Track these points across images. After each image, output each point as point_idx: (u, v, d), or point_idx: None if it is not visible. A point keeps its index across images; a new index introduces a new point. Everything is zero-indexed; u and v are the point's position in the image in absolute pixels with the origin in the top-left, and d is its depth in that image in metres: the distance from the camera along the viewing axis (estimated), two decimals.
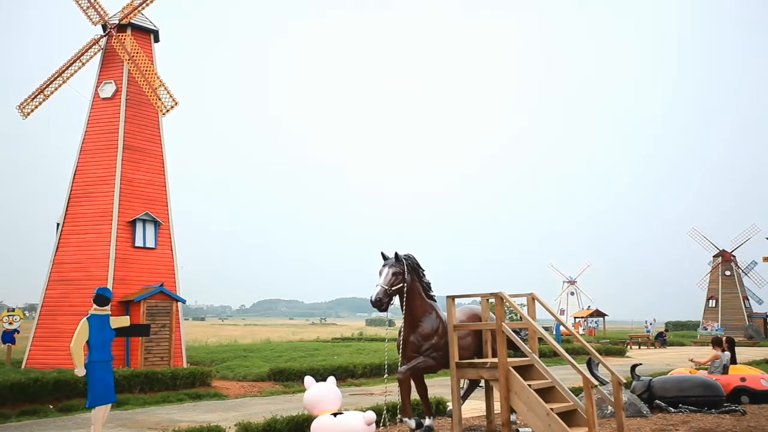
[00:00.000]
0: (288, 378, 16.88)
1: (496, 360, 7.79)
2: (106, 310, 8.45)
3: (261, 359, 21.32)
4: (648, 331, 47.06)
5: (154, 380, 14.43)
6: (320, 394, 6.66)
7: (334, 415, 6.39)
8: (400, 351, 8.59)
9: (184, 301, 19.03)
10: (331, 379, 6.97)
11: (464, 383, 10.18)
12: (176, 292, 18.68)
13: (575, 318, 62.60)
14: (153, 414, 12.04)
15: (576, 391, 9.75)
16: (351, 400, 12.54)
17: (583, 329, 54.93)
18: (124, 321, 8.92)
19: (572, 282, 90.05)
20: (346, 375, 17.61)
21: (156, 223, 18.75)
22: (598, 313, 53.57)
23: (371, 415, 6.35)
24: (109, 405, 8.54)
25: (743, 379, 11.57)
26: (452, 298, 8.39)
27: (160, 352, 17.36)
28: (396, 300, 8.47)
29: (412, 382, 8.73)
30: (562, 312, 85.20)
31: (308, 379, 6.85)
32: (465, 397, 9.95)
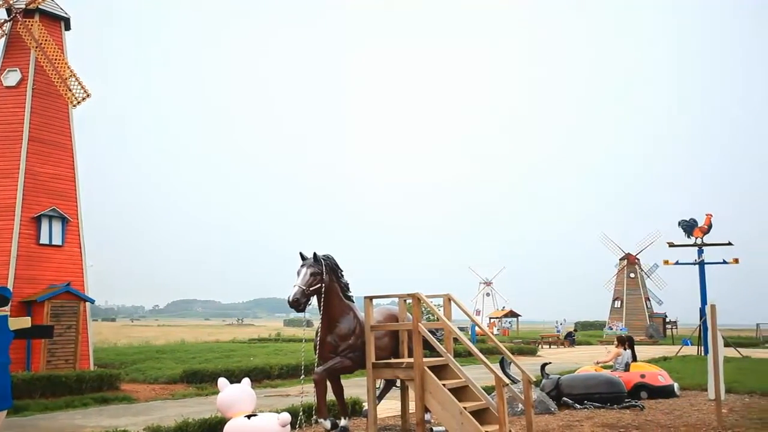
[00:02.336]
0: (202, 380, 16.47)
1: (412, 360, 7.90)
2: (5, 310, 7.96)
3: (174, 361, 20.70)
4: (558, 331, 48.90)
5: (58, 384, 13.74)
6: (234, 396, 6.54)
7: (248, 417, 6.30)
8: (317, 351, 8.57)
9: (92, 301, 18.20)
10: (246, 381, 6.86)
11: (380, 383, 10.26)
12: (84, 291, 17.83)
13: (490, 318, 64.13)
14: (55, 420, 11.46)
15: (489, 389, 10.01)
16: (266, 401, 12.37)
17: (498, 329, 56.37)
18: (24, 322, 8.43)
19: (488, 283, 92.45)
20: (262, 376, 17.37)
21: (63, 220, 17.84)
22: (512, 314, 55.16)
23: (286, 417, 6.30)
24: (5, 411, 8.06)
25: (643, 376, 12.22)
26: (370, 298, 8.45)
27: (65, 354, 16.52)
28: (314, 300, 8.45)
29: (329, 383, 8.72)
30: (477, 313, 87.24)
31: (222, 381, 6.72)
32: (381, 397, 10.03)
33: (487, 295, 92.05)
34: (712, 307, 9.58)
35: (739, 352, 27.38)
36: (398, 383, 9.38)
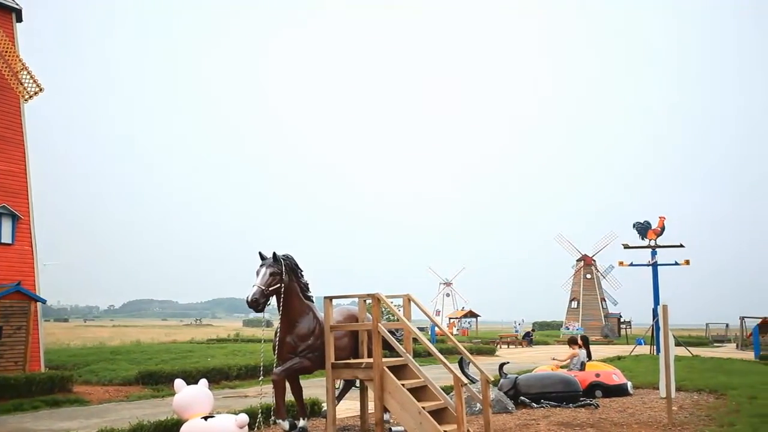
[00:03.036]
0: (158, 381, 16.18)
1: (371, 360, 7.90)
2: None
3: (129, 362, 20.25)
4: (516, 331, 49.58)
5: (6, 386, 13.32)
6: (191, 397, 6.44)
7: (205, 418, 6.21)
8: (276, 352, 8.50)
9: (44, 301, 17.69)
10: (203, 382, 6.76)
11: (340, 384, 10.24)
12: (36, 291, 17.33)
13: (450, 319, 64.69)
14: (4, 424, 11.10)
15: (448, 389, 10.09)
16: (224, 402, 12.22)
17: (457, 329, 56.86)
18: None
19: (448, 284, 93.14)
20: (220, 377, 17.16)
21: (14, 217, 17.30)
22: (471, 314, 55.73)
23: (243, 418, 6.23)
24: None
25: (598, 375, 12.47)
26: (330, 299, 8.43)
27: (14, 356, 16.01)
28: (273, 300, 8.39)
29: (288, 384, 8.67)
30: (437, 313, 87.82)
31: (178, 382, 6.61)
32: (340, 397, 10.01)
33: (447, 295, 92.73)
34: (664, 307, 9.83)
35: (689, 351, 28.17)
36: (358, 383, 9.37)
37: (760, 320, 33.77)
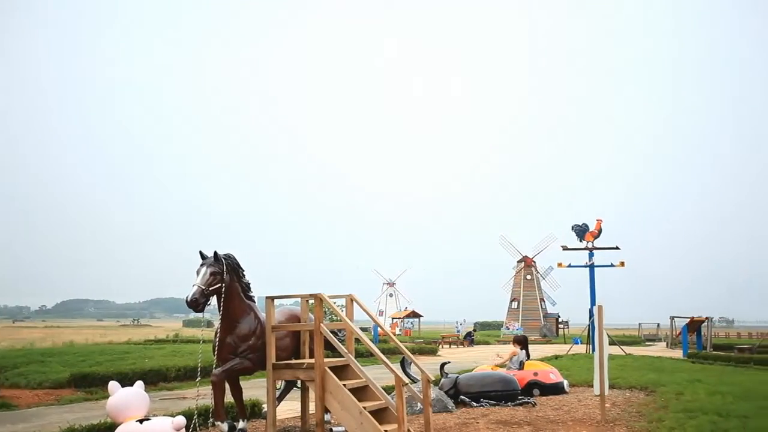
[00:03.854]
0: (92, 384, 15.65)
1: (313, 361, 7.87)
2: None
3: (61, 364, 19.51)
4: (458, 331, 50.24)
5: None
6: (125, 400, 6.27)
7: (140, 421, 6.06)
8: (216, 353, 8.37)
9: None
10: (139, 384, 6.60)
11: (281, 384, 10.17)
12: None
13: (393, 319, 65.03)
14: None
15: (390, 389, 10.15)
16: (161, 405, 11.94)
17: (400, 330, 57.21)
18: None
19: (391, 284, 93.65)
20: (157, 379, 16.74)
21: None
22: (414, 315, 56.16)
23: (180, 420, 6.11)
24: None
25: (536, 374, 12.75)
26: (271, 299, 8.35)
27: None
28: (214, 300, 8.25)
29: (227, 385, 8.55)
30: (380, 313, 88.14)
31: (113, 384, 6.42)
32: (281, 398, 9.93)
33: (390, 295, 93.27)
34: (600, 307, 10.15)
35: (623, 350, 29.15)
36: (299, 384, 9.32)
37: (688, 320, 35.25)
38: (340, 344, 8.03)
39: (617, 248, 29.76)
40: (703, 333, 36.39)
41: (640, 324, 65.54)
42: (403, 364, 10.91)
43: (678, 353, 32.09)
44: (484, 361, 20.61)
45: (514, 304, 69.06)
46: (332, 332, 8.09)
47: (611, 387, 12.68)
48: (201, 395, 8.70)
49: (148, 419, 6.13)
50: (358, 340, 8.51)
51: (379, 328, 34.36)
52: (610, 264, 29.32)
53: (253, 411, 10.08)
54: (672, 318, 42.94)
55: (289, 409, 10.74)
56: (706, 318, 36.58)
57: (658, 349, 38.77)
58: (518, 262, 70.70)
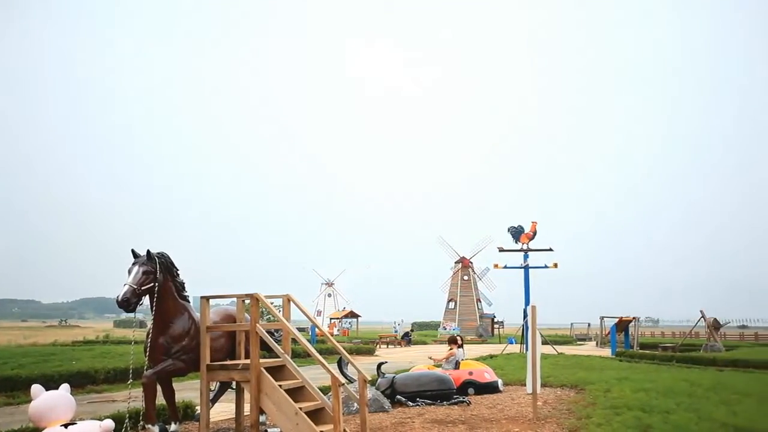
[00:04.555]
0: (14, 387, 14.93)
1: (248, 361, 7.77)
2: None
3: None
4: (396, 331, 50.54)
5: None
6: (49, 404, 6.01)
7: (66, 425, 5.82)
8: (147, 354, 8.15)
9: None
10: (65, 386, 6.33)
11: (215, 386, 9.99)
12: None
13: (331, 319, 64.87)
14: None
15: (327, 389, 10.10)
16: (89, 408, 11.52)
17: (338, 330, 57.12)
18: None
19: (330, 284, 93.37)
20: (85, 381, 16.13)
21: None
22: (352, 315, 56.16)
23: (108, 424, 5.91)
24: None
25: (471, 373, 12.96)
26: (206, 298, 8.20)
27: None
28: (147, 300, 8.04)
29: (159, 387, 8.33)
30: (318, 313, 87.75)
31: (35, 388, 6.14)
32: (215, 400, 9.76)
33: (329, 296, 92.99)
34: (533, 308, 10.40)
35: (555, 349, 29.98)
36: (234, 385, 9.17)
37: (617, 320, 36.56)
38: (276, 344, 7.95)
39: (551, 250, 30.59)
40: (630, 332, 37.81)
41: (572, 324, 67.60)
42: (341, 365, 10.88)
43: (607, 352, 33.24)
44: (421, 360, 20.80)
45: (451, 305, 70.00)
46: (269, 332, 8.01)
47: (543, 385, 13.02)
48: (132, 398, 8.44)
49: (73, 423, 5.90)
50: (295, 341, 8.44)
51: (316, 329, 34.23)
52: (544, 265, 30.09)
53: (186, 413, 9.87)
54: (602, 318, 44.43)
55: (223, 410, 10.56)
56: (634, 318, 38.04)
57: (589, 349, 40.06)
58: (456, 263, 71.74)
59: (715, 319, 35.24)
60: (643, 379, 13.99)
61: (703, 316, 33.26)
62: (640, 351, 31.67)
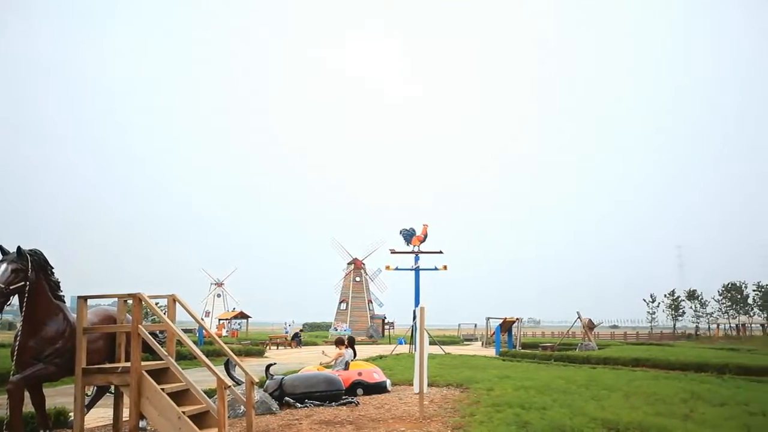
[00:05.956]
0: None
1: (128, 364, 7.43)
2: None
3: None
4: (286, 332, 50.06)
5: None
6: None
7: None
8: (14, 358, 7.58)
9: None
10: None
11: (92, 390, 9.47)
12: None
13: (220, 320, 63.30)
14: None
15: (213, 392, 9.83)
16: None
17: (227, 331, 55.83)
18: None
19: (219, 284, 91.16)
20: None
21: None
22: (242, 315, 55.01)
23: None
24: None
25: (360, 374, 13.05)
26: (84, 298, 7.77)
27: None
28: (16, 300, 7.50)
29: (28, 393, 7.77)
30: (207, 314, 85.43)
31: None
32: (91, 405, 9.26)
33: (218, 296, 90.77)
34: (422, 308, 10.64)
35: (442, 349, 30.82)
36: (113, 389, 8.74)
37: (502, 320, 38.14)
38: (159, 346, 7.64)
39: (441, 252, 31.40)
40: (514, 333, 39.58)
41: (459, 324, 69.86)
42: (228, 367, 10.64)
43: (492, 352, 34.61)
44: (311, 361, 20.72)
45: (343, 306, 70.31)
46: (152, 334, 7.69)
47: (430, 385, 13.33)
48: None
49: None
50: (181, 342, 8.16)
51: (204, 330, 33.19)
52: (434, 267, 30.84)
53: (58, 420, 9.26)
54: (488, 319, 46.20)
55: (100, 416, 10.03)
56: (517, 319, 39.85)
57: (475, 348, 41.54)
58: (348, 264, 72.13)
59: (590, 319, 37.65)
60: (524, 378, 14.67)
61: (579, 317, 35.36)
62: (522, 350, 33.23)
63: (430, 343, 32.36)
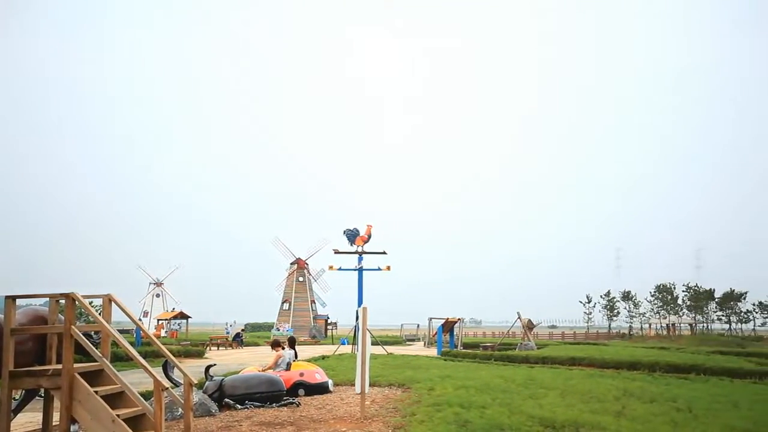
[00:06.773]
0: None
1: (60, 367, 7.17)
2: None
3: None
4: (227, 333, 49.29)
5: None
6: None
7: None
8: None
9: None
10: None
11: (20, 394, 9.10)
12: None
13: (159, 320, 61.82)
14: None
15: (151, 395, 9.59)
16: None
17: (166, 331, 54.60)
18: None
19: (159, 284, 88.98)
20: None
21: None
22: (182, 315, 53.88)
23: None
24: None
25: (302, 374, 12.98)
26: (12, 298, 7.46)
27: None
28: None
29: None
30: (146, 314, 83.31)
31: None
32: (18, 409, 8.89)
33: (158, 296, 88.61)
34: (364, 309, 10.67)
35: (385, 349, 30.93)
36: (42, 393, 8.41)
37: (444, 321, 38.58)
38: (93, 347, 7.40)
39: (384, 253, 31.51)
40: (455, 333, 40.09)
41: (402, 325, 70.25)
42: (166, 368, 10.41)
43: (434, 352, 34.94)
44: (252, 362, 20.47)
45: (286, 306, 69.75)
46: (86, 335, 7.44)
47: (372, 385, 13.38)
48: None
49: None
50: (116, 343, 7.92)
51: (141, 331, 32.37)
52: (377, 268, 30.93)
53: None
54: (430, 319, 46.65)
55: (28, 421, 9.66)
56: (459, 319, 40.37)
57: (417, 348, 41.87)
58: (291, 264, 71.60)
59: (529, 320, 38.50)
60: (464, 377, 14.88)
61: (519, 317, 36.11)
62: (464, 350, 33.69)
63: (373, 344, 32.44)
